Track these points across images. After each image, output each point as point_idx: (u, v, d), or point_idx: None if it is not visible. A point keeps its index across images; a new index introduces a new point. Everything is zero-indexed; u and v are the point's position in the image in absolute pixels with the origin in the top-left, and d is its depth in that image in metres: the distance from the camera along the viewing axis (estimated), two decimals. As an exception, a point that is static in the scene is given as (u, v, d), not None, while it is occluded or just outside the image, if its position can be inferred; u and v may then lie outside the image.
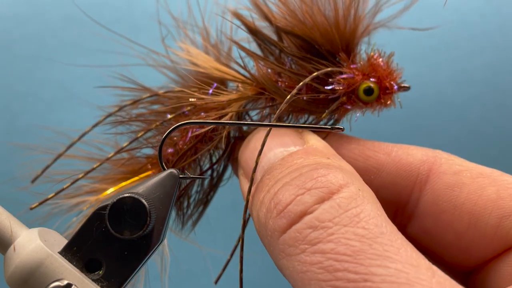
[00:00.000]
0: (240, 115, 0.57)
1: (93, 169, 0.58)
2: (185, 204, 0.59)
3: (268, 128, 0.49)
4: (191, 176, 0.52)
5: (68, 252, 0.43)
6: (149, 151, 0.60)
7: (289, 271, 0.39)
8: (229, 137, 0.57)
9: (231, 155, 0.59)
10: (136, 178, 0.59)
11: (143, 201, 0.42)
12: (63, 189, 0.58)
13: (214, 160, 0.59)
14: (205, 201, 0.60)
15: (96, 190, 0.61)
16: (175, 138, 0.57)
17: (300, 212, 0.40)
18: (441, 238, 0.50)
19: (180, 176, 0.46)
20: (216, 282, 0.54)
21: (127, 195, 0.42)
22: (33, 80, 1.03)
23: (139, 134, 0.58)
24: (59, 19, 1.01)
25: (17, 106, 1.03)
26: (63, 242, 0.44)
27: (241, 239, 0.49)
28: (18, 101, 1.03)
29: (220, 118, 0.55)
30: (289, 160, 0.46)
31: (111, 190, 0.60)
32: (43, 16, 1.02)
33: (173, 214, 0.59)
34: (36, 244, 0.41)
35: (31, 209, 0.56)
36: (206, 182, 0.60)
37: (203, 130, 0.55)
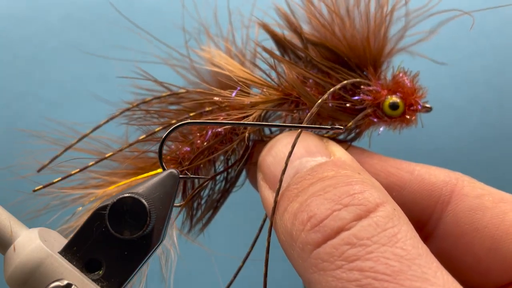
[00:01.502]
0: (261, 119, 0.55)
1: (104, 158, 0.55)
2: (195, 206, 0.56)
3: (298, 130, 0.47)
4: (191, 176, 0.51)
5: (68, 252, 0.42)
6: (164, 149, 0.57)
7: (320, 285, 0.38)
8: (249, 140, 0.55)
9: (248, 160, 0.56)
10: (147, 174, 0.56)
11: (143, 201, 0.42)
12: (70, 175, 0.54)
13: (229, 164, 0.57)
14: (215, 206, 0.57)
15: (102, 184, 0.58)
16: (191, 136, 0.55)
17: (337, 228, 0.38)
18: (459, 260, 0.49)
19: (180, 176, 0.45)
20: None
21: (127, 195, 0.42)
22: (33, 80, 1.00)
23: (157, 129, 0.56)
24: (59, 19, 1.00)
25: (17, 106, 1.00)
26: (63, 242, 0.43)
27: (268, 242, 0.47)
28: (18, 101, 1.00)
29: (241, 120, 0.53)
30: (319, 171, 0.45)
31: (121, 183, 0.56)
32: (43, 16, 1.00)
33: (182, 215, 0.56)
34: (36, 244, 0.40)
35: (34, 191, 0.53)
36: (218, 186, 0.57)
37: (222, 129, 0.53)
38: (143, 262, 0.43)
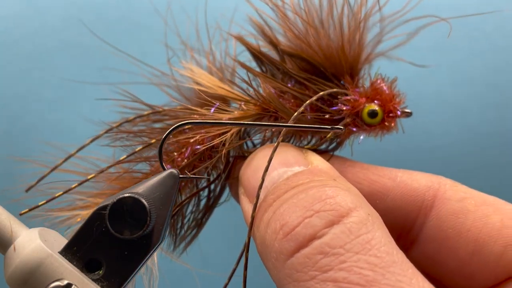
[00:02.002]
0: (241, 134, 0.55)
1: (88, 180, 0.55)
2: (179, 224, 0.56)
3: (274, 145, 0.47)
4: (191, 176, 0.50)
5: (68, 252, 0.41)
6: (146, 166, 0.57)
7: None
8: (229, 156, 0.55)
9: (229, 175, 0.56)
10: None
11: (143, 201, 0.41)
12: (54, 198, 0.54)
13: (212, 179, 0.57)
14: (199, 223, 0.57)
15: (89, 205, 0.58)
16: (175, 154, 0.55)
17: (309, 236, 0.37)
18: (443, 264, 0.48)
19: (180, 176, 0.45)
20: None
21: (127, 195, 0.41)
22: (33, 80, 1.00)
23: (138, 149, 0.56)
24: (59, 19, 1.01)
25: (17, 106, 1.00)
26: (63, 242, 0.43)
27: (246, 258, 0.46)
28: (18, 101, 1.00)
29: (221, 135, 0.53)
30: (294, 180, 0.44)
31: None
32: (43, 16, 1.00)
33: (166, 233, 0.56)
34: (36, 244, 0.40)
35: (21, 214, 0.53)
36: (202, 203, 0.57)
37: (202, 148, 0.53)
38: (143, 262, 0.42)
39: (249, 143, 0.57)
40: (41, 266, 0.39)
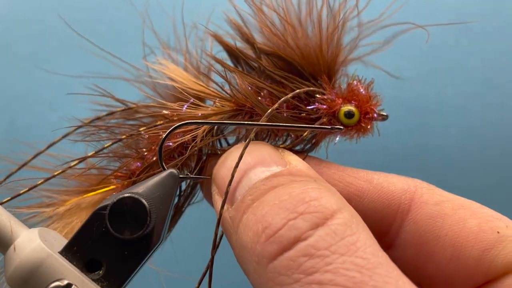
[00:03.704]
0: (214, 132, 0.52)
1: (52, 177, 0.52)
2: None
3: (246, 142, 0.44)
4: (191, 176, 0.49)
5: (68, 252, 0.41)
6: (115, 164, 0.54)
7: None
8: (201, 154, 0.52)
9: (201, 174, 0.53)
10: (98, 191, 0.53)
11: (143, 201, 0.41)
12: (18, 195, 0.51)
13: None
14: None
15: (55, 204, 0.54)
16: (144, 150, 0.52)
17: (293, 238, 0.36)
18: (422, 269, 0.46)
19: (180, 176, 0.44)
20: None
21: (127, 195, 0.41)
22: (33, 80, 0.97)
23: (106, 145, 0.53)
24: (59, 19, 0.98)
25: (17, 106, 0.97)
26: (63, 242, 0.42)
27: (211, 261, 0.43)
28: (18, 101, 0.97)
29: (193, 131, 0.50)
30: (273, 180, 0.41)
31: (69, 202, 0.53)
32: (43, 16, 0.98)
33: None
34: (36, 244, 0.39)
35: None
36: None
37: (173, 145, 0.50)
38: (143, 262, 0.41)
39: (223, 142, 0.55)
40: (41, 266, 0.38)
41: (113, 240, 0.41)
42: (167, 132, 0.44)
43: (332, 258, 0.34)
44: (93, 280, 0.40)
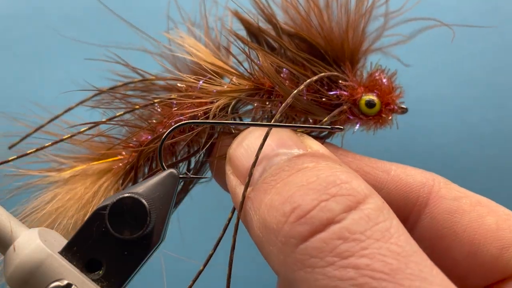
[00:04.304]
0: (230, 109, 0.50)
1: (60, 141, 0.51)
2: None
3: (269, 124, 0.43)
4: (191, 176, 0.48)
5: (68, 252, 0.41)
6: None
7: (308, 284, 0.33)
8: (213, 131, 0.50)
9: (211, 152, 0.51)
10: (105, 160, 0.52)
11: (143, 201, 0.40)
12: (25, 154, 0.50)
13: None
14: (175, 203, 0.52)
15: (63, 169, 0.53)
16: (154, 121, 0.50)
17: (326, 220, 0.34)
18: (437, 263, 0.44)
19: (180, 176, 0.44)
20: None
21: (127, 195, 0.41)
22: (33, 80, 0.97)
23: (118, 114, 0.51)
24: (59, 19, 0.98)
25: (17, 106, 0.97)
26: (63, 242, 0.42)
27: (233, 240, 0.42)
28: (18, 101, 0.97)
29: (207, 109, 0.49)
30: (298, 162, 0.40)
31: (76, 168, 0.52)
32: (43, 16, 0.97)
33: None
34: (36, 244, 0.39)
35: None
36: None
37: (184, 117, 0.49)
38: (143, 262, 0.41)
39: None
40: (41, 266, 0.38)
41: (113, 240, 0.40)
42: (166, 132, 0.43)
43: (368, 243, 0.33)
44: (93, 280, 0.40)
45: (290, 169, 0.39)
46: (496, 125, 0.89)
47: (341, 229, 0.34)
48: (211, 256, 0.45)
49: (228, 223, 0.45)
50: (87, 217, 0.41)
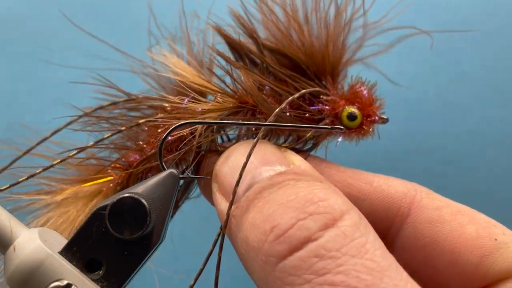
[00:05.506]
0: (215, 128, 0.50)
1: (51, 166, 0.51)
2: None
3: (253, 141, 0.43)
4: (191, 176, 0.49)
5: (68, 252, 0.40)
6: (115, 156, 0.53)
7: None
8: (199, 149, 0.51)
9: (198, 169, 0.52)
10: (96, 182, 0.52)
11: (143, 201, 0.40)
12: (17, 183, 0.50)
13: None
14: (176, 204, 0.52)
15: (54, 192, 0.53)
16: (142, 143, 0.51)
17: (304, 238, 0.35)
18: (418, 272, 0.45)
19: (180, 176, 0.43)
20: None
21: (127, 195, 0.40)
22: (33, 80, 0.96)
23: (106, 136, 0.51)
24: (59, 18, 0.97)
25: (17, 106, 0.96)
26: (63, 242, 0.41)
27: (218, 258, 0.42)
28: (18, 101, 0.96)
29: (192, 128, 0.49)
30: (279, 179, 0.40)
31: (67, 191, 0.52)
32: (43, 16, 0.96)
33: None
34: (36, 244, 0.39)
35: None
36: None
37: (172, 138, 0.49)
38: (143, 262, 0.41)
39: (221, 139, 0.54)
40: (41, 266, 0.38)
41: (113, 240, 0.40)
42: (166, 133, 0.43)
43: (343, 259, 0.33)
44: (93, 280, 0.40)
45: (271, 187, 0.40)
46: (496, 126, 0.89)
47: (317, 247, 0.34)
48: (201, 271, 0.45)
49: (217, 239, 0.46)
50: (87, 217, 0.41)
